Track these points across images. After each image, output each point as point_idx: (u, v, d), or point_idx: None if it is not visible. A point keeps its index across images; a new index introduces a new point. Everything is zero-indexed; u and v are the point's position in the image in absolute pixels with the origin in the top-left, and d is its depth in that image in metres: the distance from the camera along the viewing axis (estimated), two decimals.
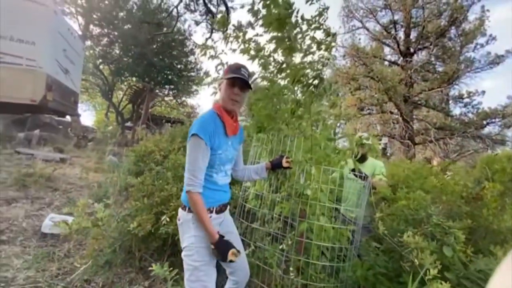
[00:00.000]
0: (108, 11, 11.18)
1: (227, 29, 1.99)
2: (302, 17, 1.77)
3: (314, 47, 1.84)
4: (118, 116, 16.50)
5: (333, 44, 1.86)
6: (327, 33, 1.82)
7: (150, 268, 1.37)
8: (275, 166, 1.66)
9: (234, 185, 2.72)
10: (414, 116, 12.53)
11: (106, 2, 11.15)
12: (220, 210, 1.40)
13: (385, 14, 13.22)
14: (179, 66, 15.14)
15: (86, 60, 12.81)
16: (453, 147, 13.70)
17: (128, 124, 17.39)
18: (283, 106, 1.89)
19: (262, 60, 1.89)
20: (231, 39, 1.89)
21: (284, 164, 1.63)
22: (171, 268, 1.37)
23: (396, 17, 12.72)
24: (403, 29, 12.67)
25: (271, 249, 1.71)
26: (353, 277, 1.62)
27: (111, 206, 2.63)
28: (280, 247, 1.64)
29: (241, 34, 1.87)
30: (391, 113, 12.17)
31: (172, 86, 16.91)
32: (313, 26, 1.80)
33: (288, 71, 1.88)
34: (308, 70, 1.81)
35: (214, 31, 11.14)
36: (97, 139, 11.38)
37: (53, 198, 3.71)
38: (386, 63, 13.29)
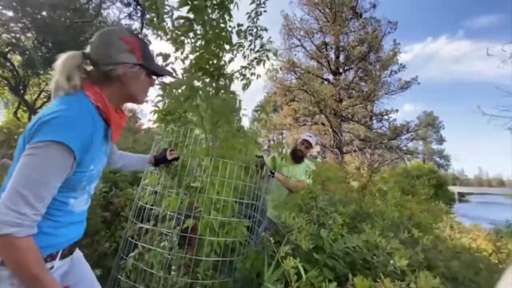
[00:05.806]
0: None
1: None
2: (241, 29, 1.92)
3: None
4: (32, 115, 13.97)
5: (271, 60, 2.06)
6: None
7: None
8: (160, 161, 1.53)
9: (134, 185, 2.49)
10: (342, 128, 14.08)
11: None
12: (68, 252, 0.91)
13: (320, 36, 14.83)
14: None
15: None
16: (376, 157, 15.90)
17: None
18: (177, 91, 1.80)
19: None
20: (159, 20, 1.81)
21: (168, 157, 1.52)
22: None
23: (327, 40, 14.35)
24: (333, 51, 14.33)
25: (156, 249, 1.55)
26: (243, 270, 1.58)
27: None
28: (161, 244, 1.50)
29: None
30: (323, 124, 13.42)
31: None
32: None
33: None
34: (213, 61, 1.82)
35: (144, 26, 10.49)
36: None
37: None
38: (320, 79, 14.75)
